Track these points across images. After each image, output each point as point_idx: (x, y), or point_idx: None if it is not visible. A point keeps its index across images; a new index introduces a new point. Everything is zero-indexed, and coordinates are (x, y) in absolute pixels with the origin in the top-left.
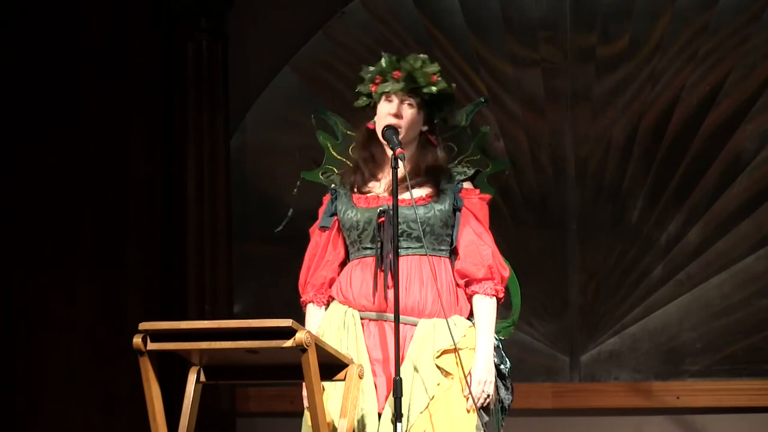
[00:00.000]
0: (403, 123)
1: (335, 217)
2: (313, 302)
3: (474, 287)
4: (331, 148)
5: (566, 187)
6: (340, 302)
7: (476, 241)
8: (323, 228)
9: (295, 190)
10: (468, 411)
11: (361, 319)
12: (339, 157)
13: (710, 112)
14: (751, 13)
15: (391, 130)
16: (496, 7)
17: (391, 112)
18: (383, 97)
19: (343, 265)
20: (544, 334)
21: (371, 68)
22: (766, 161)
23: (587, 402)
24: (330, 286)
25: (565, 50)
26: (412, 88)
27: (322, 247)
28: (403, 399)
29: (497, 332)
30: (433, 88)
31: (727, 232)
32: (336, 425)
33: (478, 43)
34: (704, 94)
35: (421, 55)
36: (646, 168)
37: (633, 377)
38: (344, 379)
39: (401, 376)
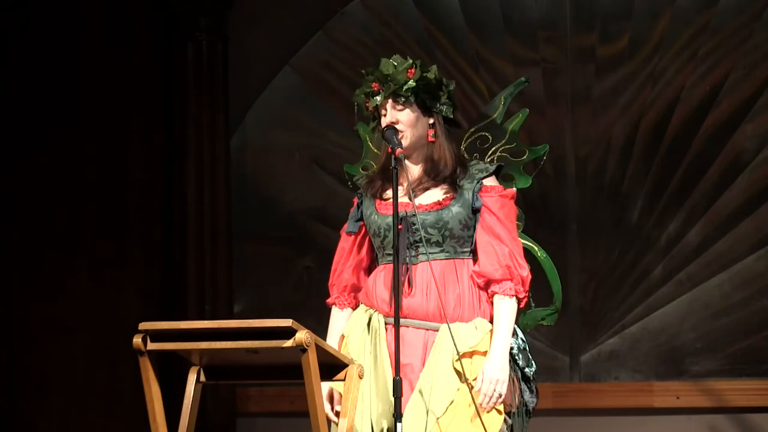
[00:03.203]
0: (403, 128)
1: (361, 222)
2: (336, 305)
3: (494, 287)
4: (369, 141)
5: (566, 187)
6: (366, 305)
7: (492, 241)
8: (350, 233)
9: (350, 183)
10: (478, 410)
11: (386, 324)
12: (376, 151)
13: (710, 112)
14: (751, 13)
15: (391, 130)
16: (496, 7)
17: (387, 121)
18: (379, 113)
19: (370, 267)
20: (544, 334)
21: (357, 91)
22: (766, 161)
23: (587, 402)
24: (353, 290)
25: (565, 50)
26: (393, 93)
27: (347, 252)
28: (422, 403)
29: (542, 319)
30: (412, 83)
31: (727, 232)
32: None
33: (478, 43)
34: (704, 94)
35: (393, 57)
36: (646, 168)
37: (633, 377)
38: (344, 379)
39: (422, 381)
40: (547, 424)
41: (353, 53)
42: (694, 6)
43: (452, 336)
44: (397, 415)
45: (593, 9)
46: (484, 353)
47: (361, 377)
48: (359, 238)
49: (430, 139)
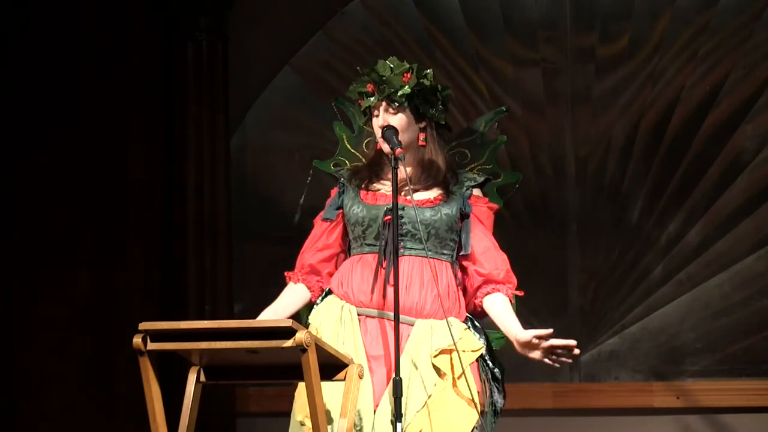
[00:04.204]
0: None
1: (340, 211)
2: (290, 279)
3: (496, 285)
4: (345, 140)
5: (566, 187)
6: (338, 296)
7: (492, 247)
8: (326, 219)
9: (309, 179)
10: (474, 395)
11: (359, 315)
12: (352, 151)
13: (710, 112)
14: (751, 13)
15: (391, 130)
16: (496, 7)
17: (379, 124)
18: (371, 113)
19: (337, 257)
20: None
21: (351, 87)
22: (766, 161)
23: (587, 402)
24: (311, 270)
25: (565, 50)
26: (387, 97)
27: (318, 236)
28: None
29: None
30: (407, 89)
31: (727, 232)
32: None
33: (478, 43)
34: (704, 94)
35: (390, 59)
36: (646, 168)
37: (633, 377)
38: (344, 379)
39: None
40: (547, 424)
41: (353, 53)
42: (694, 6)
43: (451, 332)
44: (397, 415)
45: (593, 9)
46: (464, 351)
47: (361, 377)
48: (332, 225)
49: (421, 143)
